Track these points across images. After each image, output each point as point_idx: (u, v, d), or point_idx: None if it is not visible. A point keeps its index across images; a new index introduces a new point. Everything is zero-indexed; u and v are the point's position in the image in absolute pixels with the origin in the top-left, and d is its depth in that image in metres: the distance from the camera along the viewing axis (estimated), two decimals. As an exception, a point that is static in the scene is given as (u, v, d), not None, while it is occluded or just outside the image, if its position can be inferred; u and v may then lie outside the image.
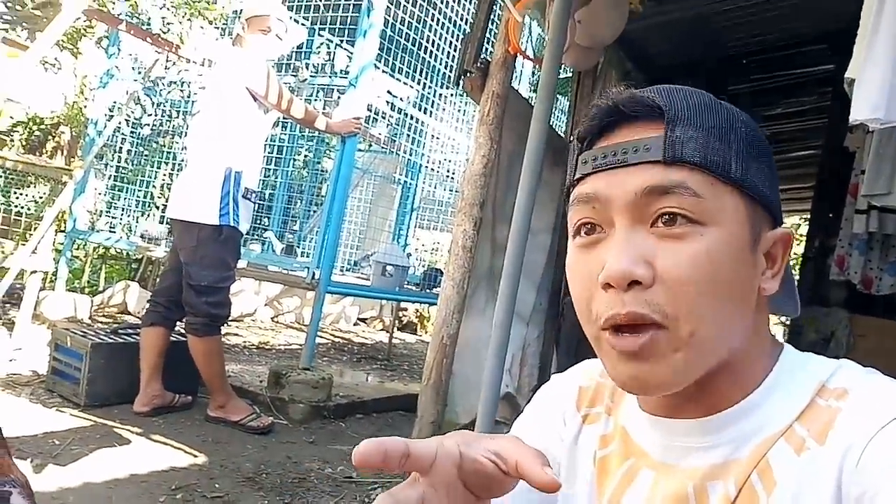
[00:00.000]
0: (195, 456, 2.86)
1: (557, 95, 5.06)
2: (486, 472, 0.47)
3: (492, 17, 2.47)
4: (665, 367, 0.58)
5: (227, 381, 3.43)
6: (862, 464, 0.53)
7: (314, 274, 3.92)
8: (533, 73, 5.39)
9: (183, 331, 3.37)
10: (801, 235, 6.46)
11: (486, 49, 2.72)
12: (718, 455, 0.61)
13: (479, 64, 2.31)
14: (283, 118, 4.27)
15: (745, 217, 0.60)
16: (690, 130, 0.59)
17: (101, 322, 5.25)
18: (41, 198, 4.81)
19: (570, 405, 0.77)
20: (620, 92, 0.63)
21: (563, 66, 2.89)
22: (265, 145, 3.66)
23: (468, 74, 2.33)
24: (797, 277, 4.59)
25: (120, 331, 3.66)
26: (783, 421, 0.60)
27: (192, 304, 3.19)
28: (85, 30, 6.17)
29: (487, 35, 2.61)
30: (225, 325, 3.37)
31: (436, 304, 2.73)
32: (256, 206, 3.74)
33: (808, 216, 4.59)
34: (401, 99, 5.04)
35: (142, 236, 5.27)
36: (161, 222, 5.31)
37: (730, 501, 0.59)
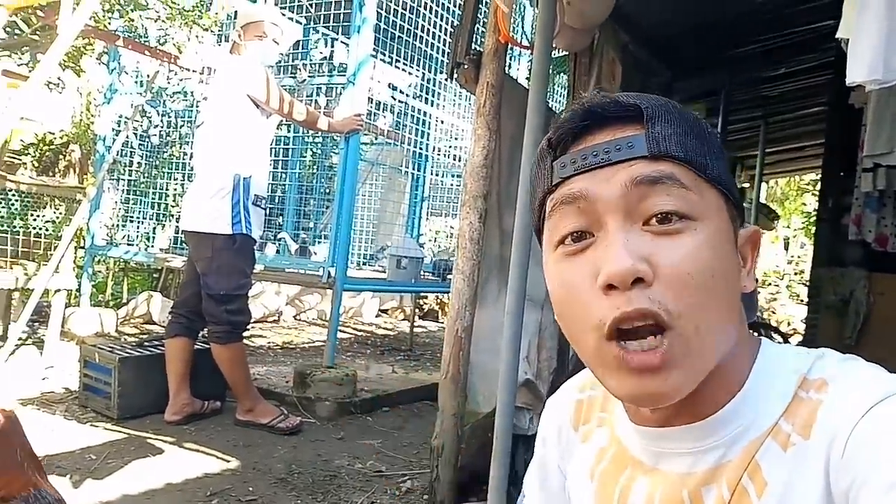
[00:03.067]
0: (227, 461, 2.93)
1: (556, 73, 5.03)
2: None
3: (480, 5, 2.47)
4: (677, 376, 0.57)
5: (253, 384, 3.49)
6: (847, 454, 0.53)
7: (329, 273, 3.97)
8: (531, 55, 5.35)
9: (206, 339, 3.44)
10: (817, 191, 6.39)
11: (478, 39, 2.72)
12: (710, 460, 0.62)
13: (471, 55, 2.32)
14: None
15: (726, 214, 0.61)
16: (669, 128, 0.60)
17: (128, 333, 5.35)
18: (58, 217, 4.89)
19: (568, 425, 0.78)
20: (593, 96, 0.63)
21: (556, 48, 2.88)
22: (271, 149, 3.69)
23: (461, 67, 2.34)
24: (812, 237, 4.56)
25: (146, 343, 3.74)
26: (769, 419, 0.60)
27: (212, 313, 3.25)
28: (84, 48, 6.22)
29: (478, 25, 2.61)
30: (246, 330, 3.42)
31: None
32: (267, 210, 3.78)
33: (820, 175, 4.53)
34: (401, 91, 5.04)
35: (161, 249, 5.35)
36: (176, 232, 5.38)
37: None
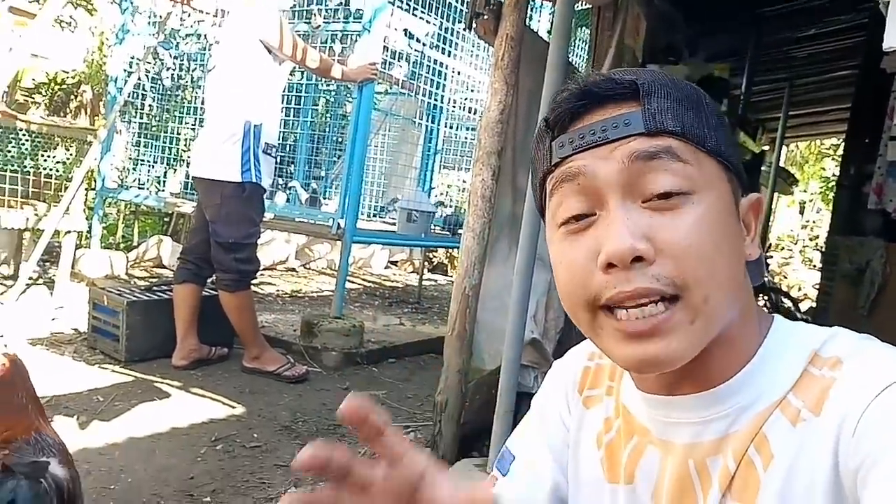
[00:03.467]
0: (233, 407, 2.96)
1: (578, 27, 4.89)
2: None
3: (503, -46, 2.36)
4: (678, 342, 0.57)
5: (260, 332, 3.51)
6: (858, 433, 0.53)
7: (339, 224, 3.94)
8: (553, 6, 5.19)
9: (214, 286, 3.44)
10: (839, 156, 6.25)
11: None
12: (716, 430, 0.62)
13: (491, 5, 2.23)
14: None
15: (727, 185, 0.62)
16: (665, 103, 0.60)
17: (138, 277, 5.38)
18: (69, 159, 4.87)
19: (573, 388, 0.78)
20: (589, 76, 0.64)
21: (580, 2, 2.78)
22: (283, 96, 3.62)
23: (480, 17, 2.25)
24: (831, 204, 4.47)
25: (155, 287, 3.75)
26: (778, 392, 0.60)
27: (220, 261, 3.24)
28: (97, -15, 6.10)
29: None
30: (255, 278, 3.41)
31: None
32: (279, 158, 3.73)
33: (843, 141, 4.41)
34: (418, 40, 4.91)
35: (172, 193, 5.33)
36: (187, 177, 5.36)
37: (730, 476, 0.60)
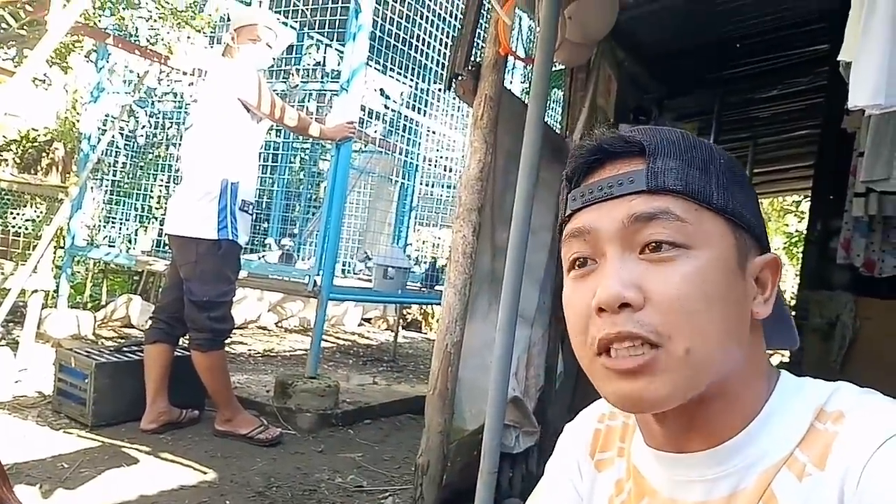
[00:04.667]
0: (204, 472, 2.85)
1: (552, 87, 5.02)
2: None
3: (481, 17, 2.44)
4: (662, 383, 0.59)
5: (233, 394, 3.41)
6: (861, 486, 0.54)
7: (315, 281, 3.90)
8: (525, 66, 5.35)
9: (186, 346, 3.36)
10: (802, 212, 6.44)
11: (477, 51, 2.69)
12: (725, 487, 0.62)
13: (469, 67, 2.28)
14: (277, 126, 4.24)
15: (731, 242, 0.63)
16: (671, 162, 0.63)
17: (106, 337, 5.24)
18: (38, 216, 4.79)
19: (585, 453, 0.79)
20: (604, 133, 0.67)
21: (555, 64, 2.86)
22: (259, 153, 3.63)
23: (459, 78, 2.30)
24: (800, 259, 4.58)
25: (124, 348, 3.65)
26: (785, 448, 0.61)
27: (194, 319, 3.18)
28: (73, 45, 6.12)
29: (478, 36, 2.58)
30: (228, 338, 3.34)
31: (439, 303, 2.71)
32: (254, 216, 3.71)
33: (810, 197, 4.55)
34: (394, 101, 5.00)
35: (143, 251, 5.25)
36: (159, 235, 5.29)
37: None
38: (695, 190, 0.62)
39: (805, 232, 4.47)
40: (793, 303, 4.81)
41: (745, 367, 0.63)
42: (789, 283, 12.30)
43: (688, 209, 0.61)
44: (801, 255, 5.86)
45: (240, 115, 3.21)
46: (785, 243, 13.73)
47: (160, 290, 4.99)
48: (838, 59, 1.91)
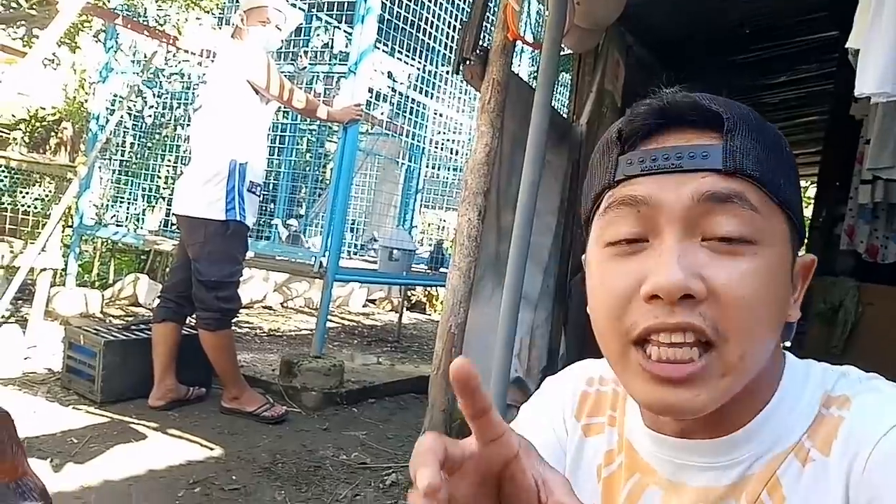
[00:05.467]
0: (211, 448, 2.90)
1: (560, 71, 5.01)
2: (526, 488, 0.43)
3: (490, 2, 2.44)
4: (707, 394, 0.55)
5: (240, 372, 3.46)
6: (868, 471, 0.53)
7: (321, 262, 3.93)
8: (533, 53, 5.33)
9: (193, 324, 3.40)
10: (808, 198, 6.43)
11: (485, 35, 2.70)
12: (732, 475, 0.61)
13: (478, 51, 2.29)
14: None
15: (789, 239, 0.59)
16: (749, 142, 0.56)
17: (113, 315, 5.29)
18: (47, 195, 4.82)
19: (570, 412, 0.75)
20: (674, 93, 0.60)
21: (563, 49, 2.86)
22: (266, 134, 3.64)
23: (467, 62, 2.31)
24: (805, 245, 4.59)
25: (132, 326, 3.69)
26: (794, 436, 0.60)
27: (202, 299, 3.21)
28: (82, 25, 6.12)
29: (487, 20, 2.59)
30: (236, 317, 3.38)
31: (443, 285, 2.75)
32: (262, 197, 3.74)
33: (815, 182, 4.55)
34: (401, 83, 5.00)
35: (150, 231, 5.29)
36: (166, 215, 5.32)
37: None
38: (769, 178, 0.56)
39: (810, 218, 4.47)
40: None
41: (768, 364, 0.61)
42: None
43: (761, 199, 0.56)
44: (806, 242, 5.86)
45: (248, 97, 3.23)
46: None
47: (167, 269, 5.03)
48: (846, 46, 1.92)
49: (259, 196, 3.44)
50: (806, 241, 4.63)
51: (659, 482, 0.65)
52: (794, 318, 0.61)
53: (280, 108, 4.17)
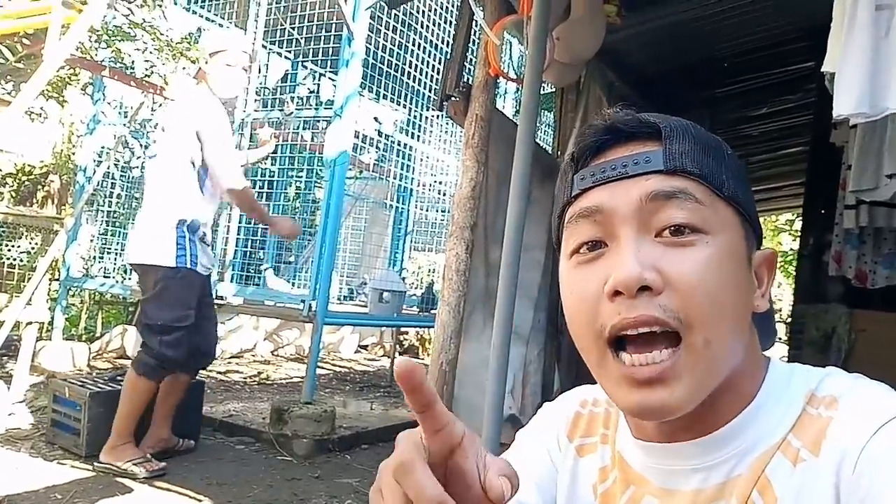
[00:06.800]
0: (200, 501, 2.82)
1: (542, 110, 5.08)
2: (469, 471, 0.44)
3: (471, 40, 2.48)
4: (683, 389, 0.57)
5: (133, 428, 3.15)
6: (858, 471, 0.53)
7: (311, 306, 3.90)
8: (517, 90, 5.42)
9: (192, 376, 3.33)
10: (796, 231, 6.50)
11: (468, 72, 2.73)
12: (719, 475, 0.62)
13: (460, 88, 2.31)
14: (273, 154, 4.27)
15: (741, 232, 0.62)
16: (686, 146, 0.61)
17: (101, 368, 5.20)
18: (34, 248, 4.78)
19: (563, 432, 0.77)
20: (616, 112, 0.65)
21: (545, 83, 2.90)
22: (255, 182, 3.63)
23: (451, 99, 2.33)
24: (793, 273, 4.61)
25: (118, 377, 3.62)
26: (778, 434, 0.60)
27: (146, 342, 3.14)
28: (70, 78, 6.18)
29: (468, 57, 2.62)
30: (174, 370, 3.21)
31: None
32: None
33: (801, 213, 4.59)
34: (388, 127, 5.05)
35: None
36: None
37: None
38: (710, 175, 0.61)
39: (798, 248, 4.50)
40: (789, 318, 4.82)
41: (744, 358, 0.62)
42: (786, 298, 12.31)
43: (705, 193, 0.60)
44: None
45: (197, 148, 3.15)
46: (779, 262, 13.76)
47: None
48: (822, 70, 1.95)
49: (209, 244, 3.34)
50: (796, 266, 4.66)
51: (653, 492, 0.66)
52: (761, 308, 0.64)
53: (269, 155, 4.18)
